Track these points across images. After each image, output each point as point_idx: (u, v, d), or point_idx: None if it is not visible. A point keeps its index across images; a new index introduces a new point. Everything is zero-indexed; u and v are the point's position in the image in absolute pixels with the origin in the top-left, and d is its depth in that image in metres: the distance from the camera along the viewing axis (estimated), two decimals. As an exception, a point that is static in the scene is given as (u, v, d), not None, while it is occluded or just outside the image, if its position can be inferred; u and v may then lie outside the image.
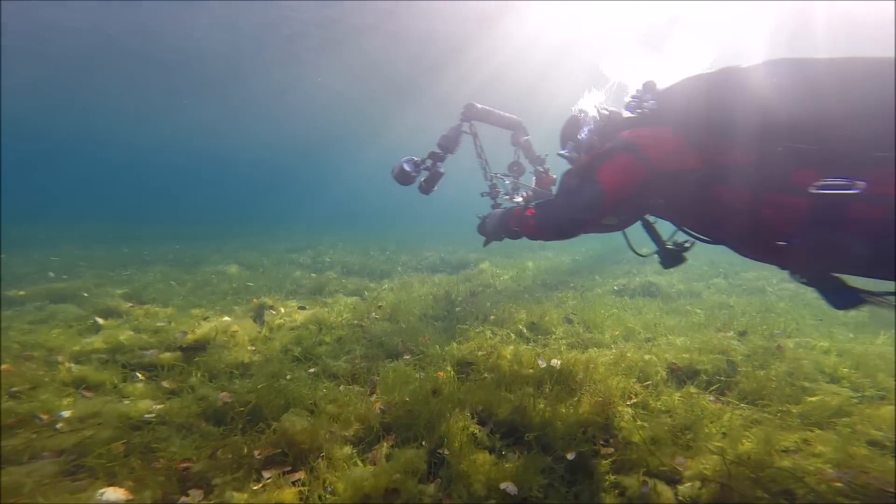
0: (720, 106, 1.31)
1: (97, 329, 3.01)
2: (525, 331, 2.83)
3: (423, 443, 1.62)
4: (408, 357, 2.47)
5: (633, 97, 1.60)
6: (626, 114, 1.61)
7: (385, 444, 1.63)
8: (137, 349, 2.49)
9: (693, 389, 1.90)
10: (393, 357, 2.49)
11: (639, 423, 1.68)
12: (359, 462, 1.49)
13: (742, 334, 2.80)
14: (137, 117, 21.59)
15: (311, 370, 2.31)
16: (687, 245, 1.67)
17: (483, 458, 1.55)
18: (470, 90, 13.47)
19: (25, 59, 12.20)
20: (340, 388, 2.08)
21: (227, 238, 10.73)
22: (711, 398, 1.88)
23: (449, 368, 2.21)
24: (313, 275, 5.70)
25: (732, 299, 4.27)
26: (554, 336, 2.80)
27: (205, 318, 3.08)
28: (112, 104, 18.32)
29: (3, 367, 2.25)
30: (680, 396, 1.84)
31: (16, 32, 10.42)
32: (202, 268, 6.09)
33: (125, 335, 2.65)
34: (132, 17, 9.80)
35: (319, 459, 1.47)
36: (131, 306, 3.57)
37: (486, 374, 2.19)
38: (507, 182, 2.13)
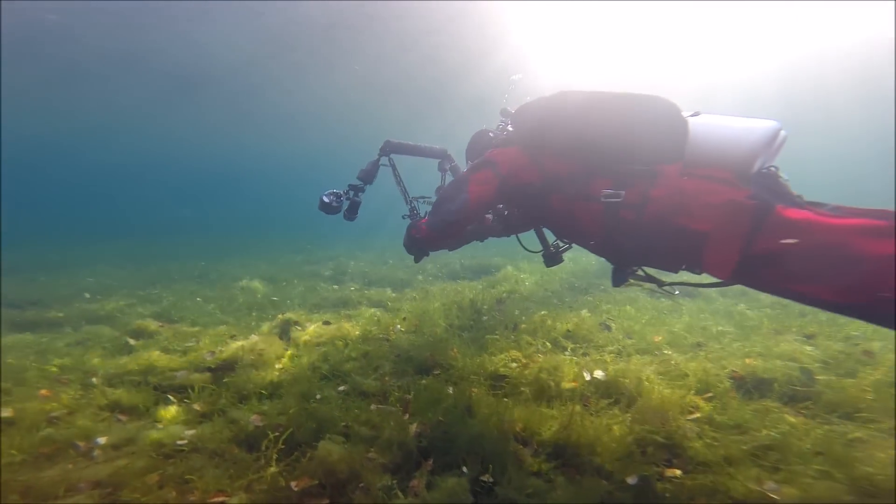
0: (540, 126, 1.58)
1: (129, 350, 3.05)
2: (561, 339, 2.66)
3: (465, 469, 1.50)
4: (437, 372, 2.35)
5: (500, 120, 1.90)
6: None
7: (424, 470, 1.52)
8: (168, 370, 2.47)
9: (771, 403, 1.69)
10: (423, 372, 2.38)
11: (707, 440, 1.49)
12: (399, 494, 1.38)
13: (810, 337, 2.52)
14: (155, 130, 22.30)
15: (341, 388, 2.22)
16: (563, 248, 2.00)
17: (534, 484, 1.41)
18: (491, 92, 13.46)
19: (38, 78, 12.67)
20: (372, 407, 1.98)
21: (249, 250, 10.97)
22: (792, 412, 1.66)
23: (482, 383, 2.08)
24: (335, 287, 5.69)
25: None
26: (593, 344, 2.62)
27: (232, 337, 3.07)
28: (128, 117, 18.96)
29: (42, 391, 2.28)
30: (753, 410, 1.63)
31: (37, 56, 11.00)
32: (227, 283, 6.19)
33: (156, 356, 2.65)
34: (147, 31, 10.15)
35: (358, 490, 1.37)
36: (161, 326, 3.62)
37: (523, 389, 2.04)
38: (429, 204, 2.31)
